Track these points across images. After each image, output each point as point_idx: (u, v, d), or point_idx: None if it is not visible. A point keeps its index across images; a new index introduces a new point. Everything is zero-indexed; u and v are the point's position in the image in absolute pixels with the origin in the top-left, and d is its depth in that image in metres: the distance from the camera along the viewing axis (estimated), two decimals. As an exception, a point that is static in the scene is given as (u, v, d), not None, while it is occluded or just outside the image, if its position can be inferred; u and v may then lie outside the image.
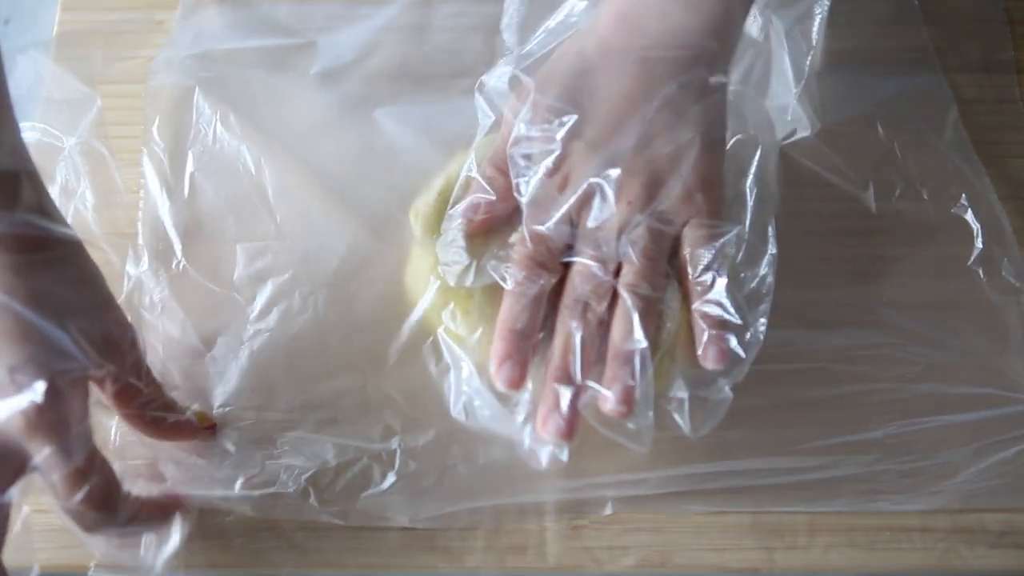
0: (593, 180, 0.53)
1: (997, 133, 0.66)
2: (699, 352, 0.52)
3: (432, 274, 0.55)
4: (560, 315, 0.52)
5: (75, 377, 0.48)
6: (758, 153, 0.57)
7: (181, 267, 0.60)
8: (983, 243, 0.61)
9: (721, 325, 0.52)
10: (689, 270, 0.53)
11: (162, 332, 0.59)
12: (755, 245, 0.55)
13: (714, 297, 0.52)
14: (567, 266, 0.53)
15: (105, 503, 0.49)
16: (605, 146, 0.53)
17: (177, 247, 0.61)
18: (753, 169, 0.57)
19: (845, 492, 0.56)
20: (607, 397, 0.50)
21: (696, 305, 0.52)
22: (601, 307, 0.52)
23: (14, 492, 0.47)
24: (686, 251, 0.53)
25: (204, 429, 0.56)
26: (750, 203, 0.56)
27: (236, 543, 0.55)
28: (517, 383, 0.51)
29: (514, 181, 0.54)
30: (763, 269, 0.54)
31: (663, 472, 0.55)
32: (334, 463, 0.56)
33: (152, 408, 0.53)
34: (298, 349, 0.58)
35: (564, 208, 0.53)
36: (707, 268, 0.52)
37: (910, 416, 0.57)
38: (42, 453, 0.47)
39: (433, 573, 0.55)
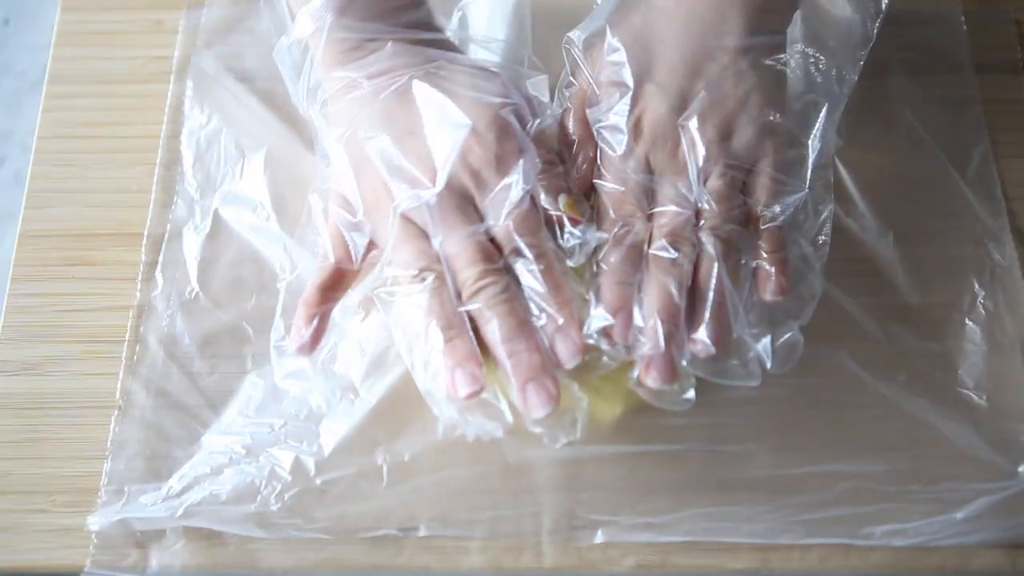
0: (668, 125, 0.54)
1: (999, 134, 0.65)
2: (769, 289, 0.54)
3: None
4: (651, 264, 0.53)
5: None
6: (823, 112, 0.58)
7: (193, 295, 0.61)
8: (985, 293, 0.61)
9: (785, 268, 0.54)
10: (759, 220, 0.55)
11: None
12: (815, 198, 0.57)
13: (779, 246, 0.54)
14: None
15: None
16: (677, 90, 0.55)
17: (193, 275, 0.61)
18: (818, 127, 0.57)
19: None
20: (703, 341, 0.52)
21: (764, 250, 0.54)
22: (690, 254, 0.53)
23: None
24: (756, 199, 0.55)
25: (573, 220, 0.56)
26: (811, 159, 0.57)
27: (233, 543, 0.55)
28: (627, 334, 0.52)
29: (594, 127, 0.56)
30: (822, 224, 0.57)
31: (667, 516, 0.56)
32: (319, 482, 0.55)
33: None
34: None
35: (643, 153, 0.54)
36: (773, 220, 0.54)
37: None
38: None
39: (429, 574, 0.55)
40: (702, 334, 0.52)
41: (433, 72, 0.54)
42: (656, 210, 0.54)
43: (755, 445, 0.57)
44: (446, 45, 0.57)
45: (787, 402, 0.58)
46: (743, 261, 0.54)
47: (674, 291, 0.52)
